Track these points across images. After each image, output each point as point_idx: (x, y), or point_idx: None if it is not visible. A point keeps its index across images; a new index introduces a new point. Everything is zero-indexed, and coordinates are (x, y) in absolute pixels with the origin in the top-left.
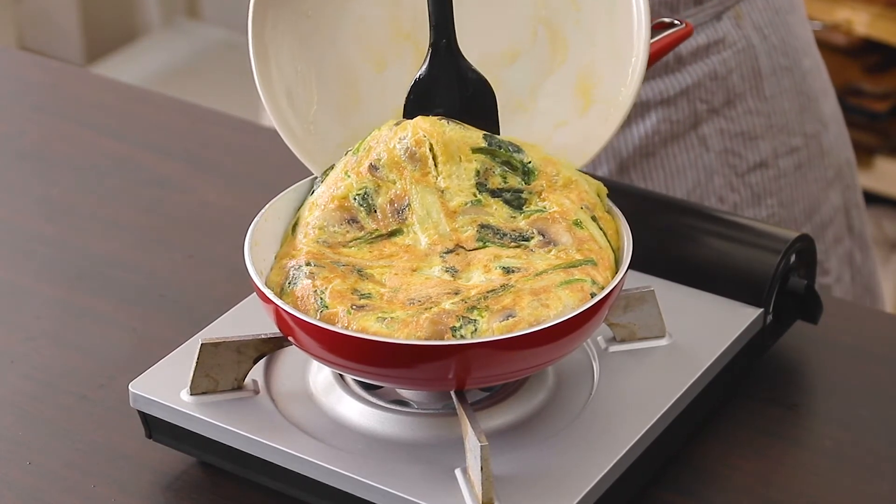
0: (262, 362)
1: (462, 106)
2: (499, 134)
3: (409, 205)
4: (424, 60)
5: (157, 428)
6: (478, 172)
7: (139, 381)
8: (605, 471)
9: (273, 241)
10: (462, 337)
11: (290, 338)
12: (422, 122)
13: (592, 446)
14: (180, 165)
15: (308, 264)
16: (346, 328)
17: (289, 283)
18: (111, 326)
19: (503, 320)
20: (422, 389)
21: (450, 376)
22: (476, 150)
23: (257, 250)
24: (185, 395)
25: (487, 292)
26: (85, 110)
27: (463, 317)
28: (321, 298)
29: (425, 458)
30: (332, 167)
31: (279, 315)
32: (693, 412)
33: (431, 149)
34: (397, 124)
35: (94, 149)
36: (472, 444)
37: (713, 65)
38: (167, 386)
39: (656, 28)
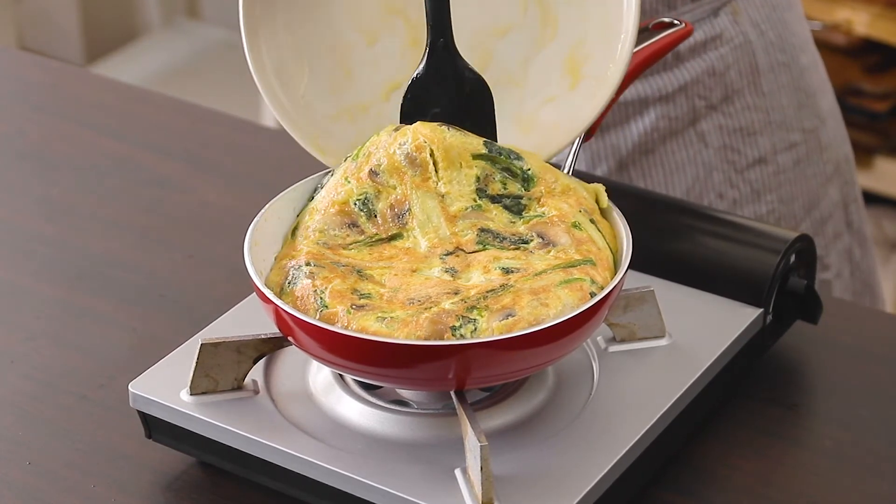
0: (261, 362)
1: (459, 105)
2: (496, 133)
3: (409, 209)
4: (421, 60)
5: (156, 428)
6: (478, 178)
7: (139, 381)
8: (605, 471)
9: (273, 241)
10: (462, 336)
11: (289, 338)
12: (421, 128)
13: (592, 446)
14: (180, 165)
15: (308, 264)
16: (346, 328)
17: (288, 283)
18: (111, 326)
19: (503, 319)
20: (421, 389)
21: (449, 376)
22: (476, 157)
23: (257, 250)
24: (184, 395)
25: (487, 292)
26: (85, 110)
27: (462, 316)
28: (321, 298)
29: (425, 458)
30: (331, 172)
31: (279, 315)
32: (693, 412)
33: (432, 154)
34: (396, 130)
35: (94, 149)
36: (472, 444)
37: (711, 61)
38: (167, 386)
39: (656, 28)
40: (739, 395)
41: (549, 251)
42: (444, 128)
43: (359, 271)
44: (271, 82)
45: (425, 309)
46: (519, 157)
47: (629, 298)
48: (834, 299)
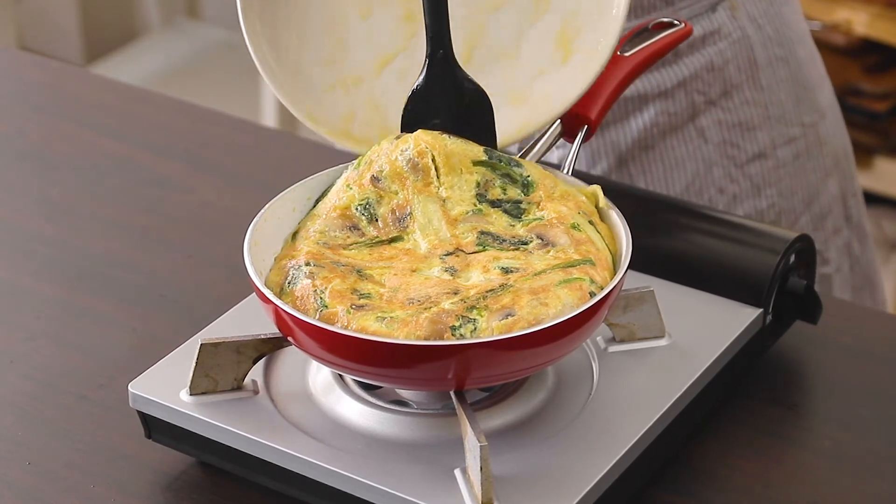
0: (261, 362)
1: (459, 116)
2: (496, 142)
3: (410, 213)
4: (421, 71)
5: (156, 428)
6: (478, 184)
7: (139, 382)
8: (605, 471)
9: (273, 241)
10: (462, 336)
11: (289, 338)
12: (423, 135)
13: (592, 446)
14: (180, 165)
15: (308, 264)
16: (346, 328)
17: (288, 283)
18: (111, 326)
19: (502, 319)
20: (421, 389)
21: (449, 376)
22: (477, 163)
23: (257, 250)
24: (184, 395)
25: (487, 292)
26: (85, 110)
27: (462, 316)
28: (321, 298)
29: (425, 458)
30: (332, 187)
31: (278, 315)
32: (692, 412)
33: (433, 160)
34: (398, 138)
35: (94, 149)
36: (472, 445)
37: (709, 56)
38: (167, 386)
39: (656, 28)
40: (739, 395)
41: (549, 251)
42: (445, 136)
43: (358, 271)
44: (264, 50)
45: (425, 309)
46: (518, 165)
47: (629, 298)
48: (834, 299)
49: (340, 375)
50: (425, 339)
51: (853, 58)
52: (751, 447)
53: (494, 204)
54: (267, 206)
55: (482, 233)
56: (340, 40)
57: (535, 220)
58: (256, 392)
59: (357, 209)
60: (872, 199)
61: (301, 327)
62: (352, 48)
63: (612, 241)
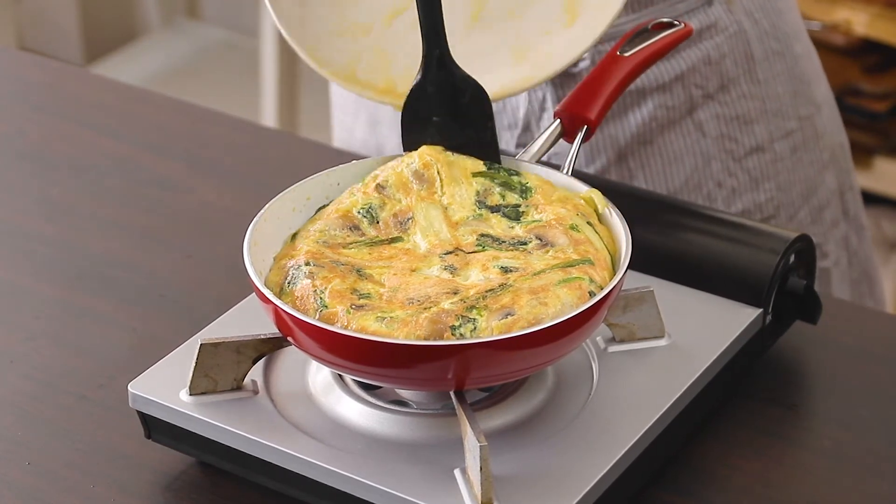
0: (261, 362)
1: (459, 113)
2: (496, 137)
3: (412, 218)
4: (419, 72)
5: (156, 428)
6: (478, 193)
7: (138, 382)
8: (605, 471)
9: (272, 241)
10: (461, 336)
11: (289, 338)
12: (427, 150)
13: (592, 446)
14: (180, 165)
15: (307, 264)
16: (346, 328)
17: (288, 283)
18: (111, 326)
19: (502, 319)
20: (421, 389)
21: (449, 376)
22: (476, 174)
23: (256, 250)
24: (184, 395)
25: (486, 291)
26: (85, 110)
27: (462, 316)
28: (321, 298)
29: (425, 459)
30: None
31: (278, 315)
32: (692, 412)
33: (438, 171)
34: (403, 155)
35: (94, 149)
36: (472, 445)
37: (706, 50)
38: (166, 386)
39: (655, 28)
40: (739, 395)
41: (548, 251)
42: (448, 153)
43: (358, 270)
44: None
45: (425, 309)
46: (517, 173)
47: (628, 298)
48: (834, 299)
49: (340, 375)
50: (425, 339)
51: (853, 58)
52: (751, 447)
53: (494, 209)
54: (267, 206)
55: (482, 235)
56: None
57: (533, 221)
58: (256, 392)
59: (359, 212)
60: (872, 199)
61: (301, 327)
62: None
63: (612, 242)
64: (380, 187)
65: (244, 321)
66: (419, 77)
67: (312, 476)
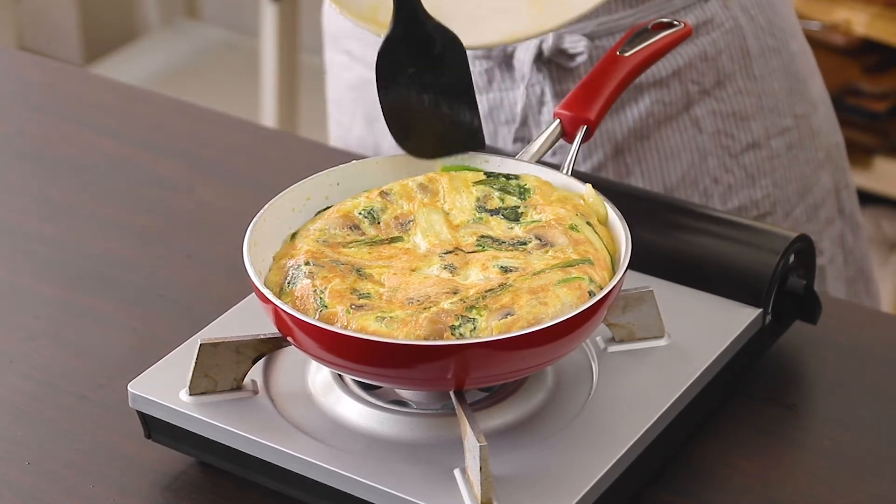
0: (261, 362)
1: (432, 63)
2: (472, 82)
3: (413, 220)
4: (391, 23)
5: (156, 428)
6: (478, 199)
7: (138, 382)
8: (604, 471)
9: (272, 241)
10: (461, 336)
11: (289, 338)
12: (431, 174)
13: (591, 446)
14: (180, 165)
15: (307, 264)
16: (345, 328)
17: (288, 283)
18: (111, 326)
19: (502, 319)
20: (421, 389)
21: (449, 376)
22: (476, 183)
23: (256, 250)
24: (184, 395)
25: (486, 291)
26: (85, 110)
27: (462, 316)
28: (320, 298)
29: (424, 458)
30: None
31: (278, 315)
32: (692, 412)
33: (442, 185)
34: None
35: (94, 149)
36: (472, 445)
37: (703, 46)
38: (166, 386)
39: (655, 28)
40: (739, 395)
41: (547, 251)
42: (451, 171)
43: (358, 270)
44: None
45: (424, 308)
46: (514, 176)
47: (628, 298)
48: (834, 299)
49: (340, 375)
50: (425, 338)
51: (853, 58)
52: (750, 447)
53: (493, 212)
54: (266, 206)
55: (482, 236)
56: None
57: (533, 222)
58: (256, 392)
59: (360, 213)
60: (872, 199)
61: (300, 327)
62: None
63: (611, 243)
64: (384, 193)
65: (244, 321)
66: (391, 28)
67: (312, 476)
